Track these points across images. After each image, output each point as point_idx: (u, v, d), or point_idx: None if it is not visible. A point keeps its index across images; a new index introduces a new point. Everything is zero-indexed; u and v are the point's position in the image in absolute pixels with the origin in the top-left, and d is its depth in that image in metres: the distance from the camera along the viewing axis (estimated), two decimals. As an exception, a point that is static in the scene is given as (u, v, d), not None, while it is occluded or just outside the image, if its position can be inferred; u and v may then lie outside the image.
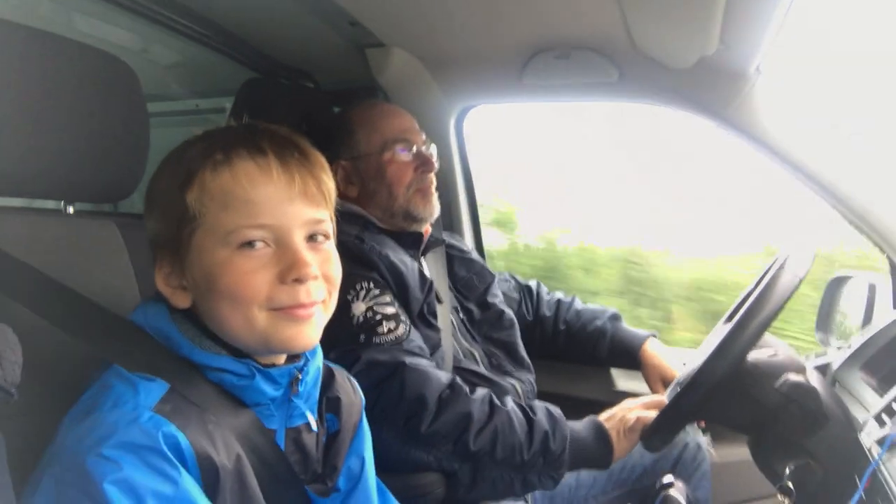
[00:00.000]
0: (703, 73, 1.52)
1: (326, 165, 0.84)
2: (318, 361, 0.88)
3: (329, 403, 0.92)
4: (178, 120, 2.15)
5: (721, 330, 1.23)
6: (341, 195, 1.44)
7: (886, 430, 0.89)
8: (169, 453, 0.67)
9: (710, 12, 1.20)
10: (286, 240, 0.77)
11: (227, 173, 0.76)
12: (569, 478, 1.48)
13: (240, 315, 0.76)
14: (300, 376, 0.82)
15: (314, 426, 0.86)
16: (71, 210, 1.08)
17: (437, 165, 1.48)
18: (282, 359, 0.84)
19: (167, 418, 0.69)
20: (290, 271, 0.76)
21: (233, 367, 0.78)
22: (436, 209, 1.48)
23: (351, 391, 0.97)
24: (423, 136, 1.49)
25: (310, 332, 0.79)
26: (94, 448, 0.65)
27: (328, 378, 0.94)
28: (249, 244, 0.76)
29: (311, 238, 0.80)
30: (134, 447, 0.66)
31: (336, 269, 0.83)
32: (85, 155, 1.00)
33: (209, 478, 0.71)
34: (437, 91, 1.84)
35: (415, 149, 1.45)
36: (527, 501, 1.42)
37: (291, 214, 0.77)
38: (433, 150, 1.50)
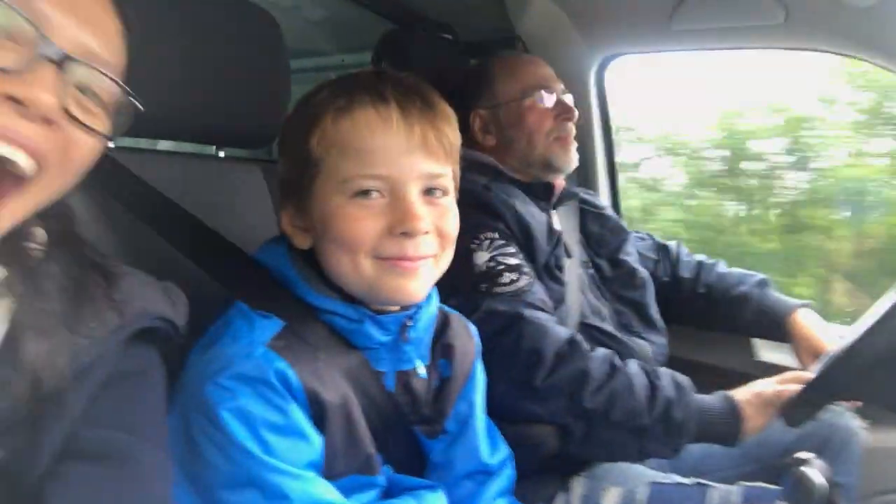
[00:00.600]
0: (888, 11, 1.33)
1: (452, 118, 0.83)
2: (432, 309, 0.89)
3: (443, 349, 0.93)
4: (325, 76, 2.24)
5: (885, 303, 1.10)
6: (478, 145, 1.47)
7: None
8: (279, 386, 0.71)
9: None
10: (400, 191, 0.77)
11: (347, 120, 0.78)
12: (696, 448, 1.42)
13: (348, 260, 0.78)
14: (410, 323, 0.84)
15: (422, 373, 0.88)
16: (221, 154, 1.17)
17: (577, 115, 1.44)
18: (395, 307, 0.84)
19: (279, 354, 0.73)
20: (400, 224, 0.76)
21: (344, 311, 0.80)
22: (574, 160, 1.44)
23: (466, 338, 0.98)
24: (562, 86, 1.46)
25: (416, 285, 0.80)
26: (213, 377, 0.71)
27: (443, 324, 0.95)
28: (364, 193, 0.77)
29: (428, 192, 0.80)
30: (248, 379, 0.71)
31: (452, 225, 0.83)
32: (233, 102, 1.08)
33: (317, 411, 0.75)
34: (578, 40, 1.77)
35: (555, 97, 1.43)
36: (648, 465, 1.37)
37: (408, 166, 0.77)
38: (569, 99, 1.46)
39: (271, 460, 0.69)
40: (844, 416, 1.37)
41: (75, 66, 0.54)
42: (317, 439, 0.74)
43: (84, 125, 0.55)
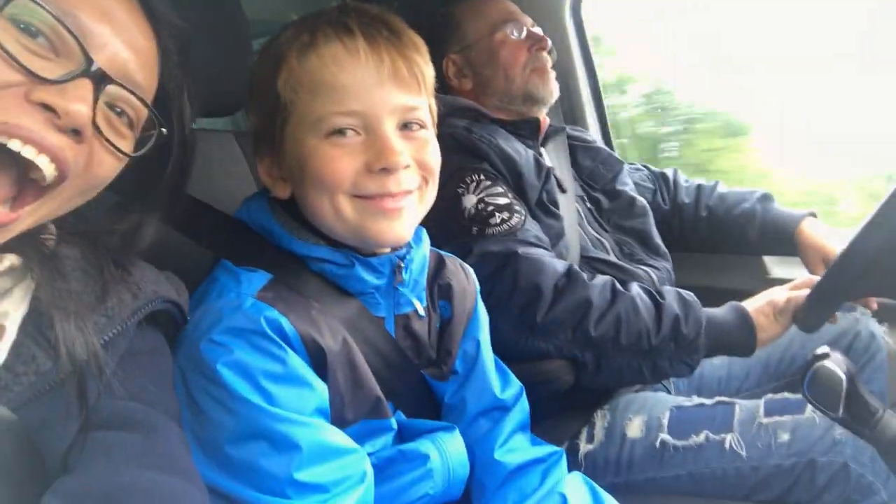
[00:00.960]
0: None
1: (423, 47, 0.80)
2: (424, 249, 0.86)
3: (441, 290, 0.91)
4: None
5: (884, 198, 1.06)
6: (454, 91, 1.43)
7: None
8: (273, 335, 0.69)
9: None
10: (375, 127, 0.74)
11: (314, 57, 0.74)
12: (718, 370, 1.40)
13: (327, 202, 0.75)
14: (402, 264, 0.81)
15: (422, 312, 0.85)
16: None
17: (550, 44, 1.41)
18: (384, 249, 0.82)
19: (269, 304, 0.71)
20: (377, 160, 0.73)
21: (331, 257, 0.78)
22: (555, 90, 1.42)
23: (464, 278, 0.95)
24: (529, 20, 1.44)
25: (400, 226, 0.77)
26: (205, 334, 0.69)
27: (438, 265, 0.92)
28: (339, 132, 0.74)
29: (405, 126, 0.77)
30: (240, 331, 0.69)
31: (433, 157, 0.79)
32: (197, 71, 1.04)
33: (317, 359, 0.72)
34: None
35: (525, 29, 1.40)
36: (668, 391, 1.35)
37: (381, 100, 0.74)
38: (539, 31, 1.43)
39: (276, 409, 0.67)
40: (864, 321, 1.34)
41: (111, 85, 0.57)
42: (320, 385, 0.72)
43: (110, 142, 0.58)
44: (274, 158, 0.79)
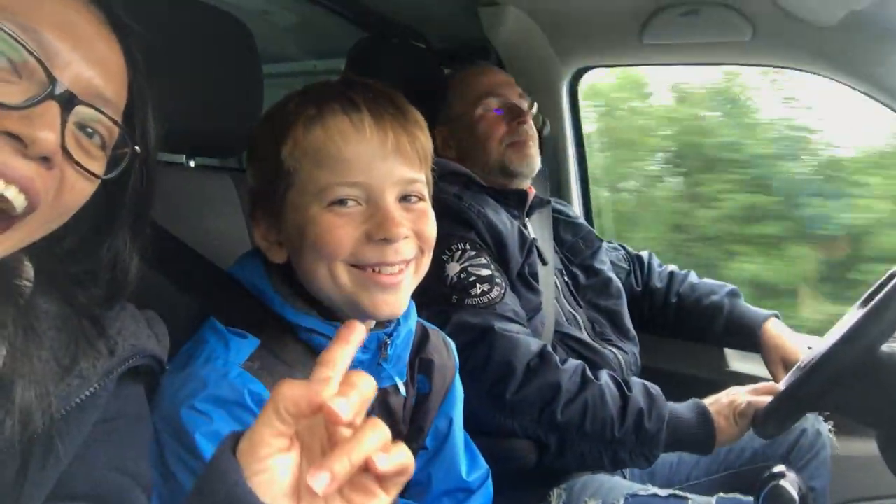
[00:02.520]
0: (851, 30, 1.36)
1: (423, 123, 0.83)
2: (411, 324, 0.88)
3: (421, 364, 0.92)
4: (298, 81, 2.22)
5: (855, 314, 1.12)
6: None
7: None
8: (255, 408, 0.69)
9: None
10: (377, 198, 0.76)
11: (319, 129, 0.76)
12: (671, 456, 1.43)
13: (325, 270, 0.76)
14: (389, 341, 0.82)
15: (402, 390, 0.86)
16: (192, 164, 1.15)
17: (543, 127, 1.49)
18: (372, 323, 0.83)
19: (254, 376, 0.71)
20: (378, 229, 0.75)
21: (322, 329, 0.78)
22: (533, 163, 1.45)
23: (445, 353, 0.97)
24: (519, 91, 1.48)
25: (396, 300, 0.78)
26: (187, 400, 0.69)
27: (422, 339, 0.94)
28: (341, 202, 0.75)
29: (405, 199, 0.79)
30: (223, 402, 0.69)
31: (430, 228, 0.81)
32: (204, 110, 1.05)
33: None
34: (550, 52, 1.78)
35: (505, 102, 1.44)
36: (624, 476, 1.37)
37: (384, 172, 0.76)
38: (531, 104, 1.48)
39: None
40: (813, 423, 1.39)
41: (80, 106, 0.53)
42: None
43: (81, 167, 0.54)
44: (272, 222, 0.80)
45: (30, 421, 0.51)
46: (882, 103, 1.44)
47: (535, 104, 1.50)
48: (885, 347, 0.98)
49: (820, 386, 0.99)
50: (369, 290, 0.76)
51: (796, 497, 0.83)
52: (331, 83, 0.83)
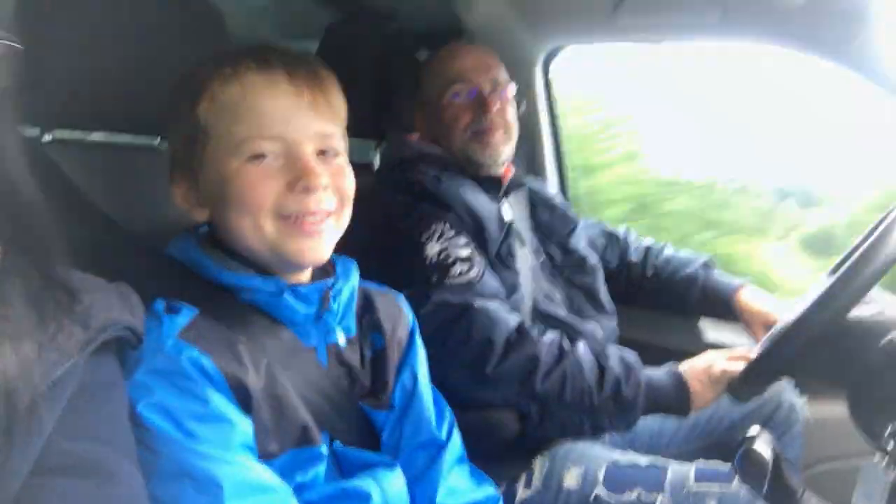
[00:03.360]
0: (818, 10, 1.38)
1: (337, 85, 0.86)
2: (353, 281, 0.89)
3: (371, 323, 0.94)
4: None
5: (825, 281, 1.15)
6: (423, 138, 1.47)
7: None
8: (195, 374, 0.70)
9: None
10: (295, 150, 0.79)
11: (236, 85, 0.78)
12: (651, 423, 1.46)
13: (249, 223, 0.78)
14: (330, 293, 0.84)
15: (342, 342, 0.87)
16: (158, 143, 1.14)
17: (518, 107, 1.46)
18: (306, 276, 0.86)
19: (191, 343, 0.72)
20: (298, 180, 0.78)
21: (261, 285, 0.80)
22: (497, 153, 1.41)
23: (394, 308, 0.98)
24: (492, 76, 1.43)
25: (319, 244, 0.81)
26: (126, 377, 0.68)
27: (368, 298, 0.95)
28: (260, 155, 0.78)
29: (322, 153, 0.82)
30: (161, 372, 0.69)
31: (348, 183, 0.84)
32: None
33: (241, 396, 0.73)
34: (523, 31, 1.78)
35: (472, 89, 1.41)
36: (605, 443, 1.40)
37: (301, 126, 0.79)
38: (511, 88, 1.46)
39: (199, 447, 0.68)
40: (787, 392, 1.44)
41: None
42: (244, 422, 0.73)
43: None
44: (191, 183, 0.83)
45: (12, 396, 0.51)
46: (854, 73, 1.46)
47: (514, 86, 1.48)
48: (853, 313, 1.01)
49: (791, 351, 1.02)
50: (293, 237, 0.79)
51: (769, 459, 0.86)
52: (245, 46, 0.85)
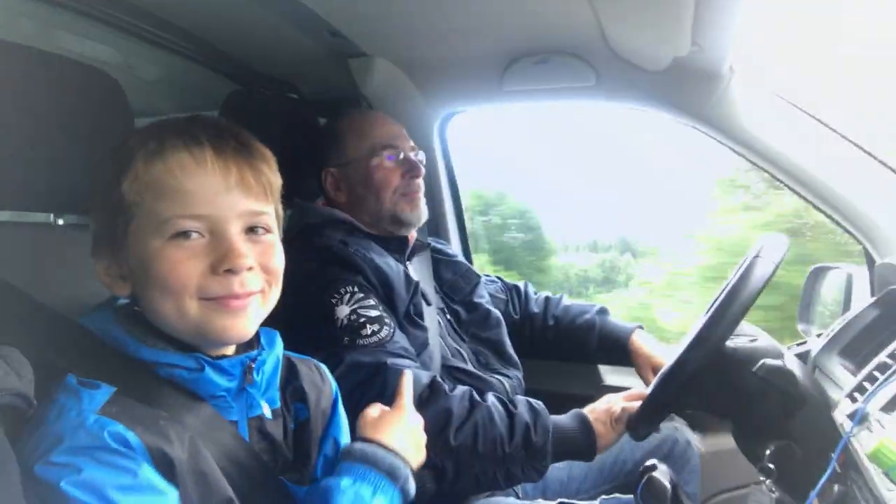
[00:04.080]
0: (678, 73, 1.56)
1: (271, 159, 0.85)
2: (278, 351, 0.89)
3: (294, 392, 0.93)
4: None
5: (702, 320, 1.26)
6: (332, 202, 1.50)
7: (857, 406, 0.92)
8: (120, 448, 0.68)
9: (680, 13, 1.24)
10: (220, 230, 0.77)
11: (160, 163, 0.77)
12: (560, 472, 1.51)
13: (171, 304, 0.76)
14: (253, 366, 0.83)
15: (268, 415, 0.86)
16: (60, 222, 1.10)
17: (423, 171, 1.52)
18: (231, 350, 0.84)
19: (113, 419, 0.70)
20: (222, 261, 0.76)
21: (181, 362, 0.78)
22: (423, 214, 1.51)
23: (318, 379, 0.98)
24: (411, 143, 1.53)
25: (244, 323, 0.79)
26: (42, 458, 0.66)
27: (291, 368, 0.95)
28: (184, 234, 0.76)
29: (251, 231, 0.80)
30: (84, 450, 0.67)
31: (277, 261, 0.83)
32: (73, 167, 1.02)
33: (166, 471, 0.71)
34: (419, 98, 1.87)
35: (402, 155, 1.49)
36: (517, 495, 1.44)
37: (227, 205, 0.78)
38: (421, 156, 1.54)
39: None
40: (682, 430, 1.54)
41: None
42: (172, 491, 0.71)
43: None
44: (113, 258, 0.80)
45: None
46: (711, 137, 1.65)
47: (423, 154, 1.55)
48: (729, 343, 1.12)
49: (677, 389, 1.11)
50: (216, 316, 0.77)
51: (668, 485, 0.92)
52: (172, 120, 0.83)
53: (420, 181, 1.50)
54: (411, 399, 0.98)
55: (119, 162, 0.78)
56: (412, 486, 0.86)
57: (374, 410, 0.93)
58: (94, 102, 1.06)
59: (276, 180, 0.85)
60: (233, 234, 0.78)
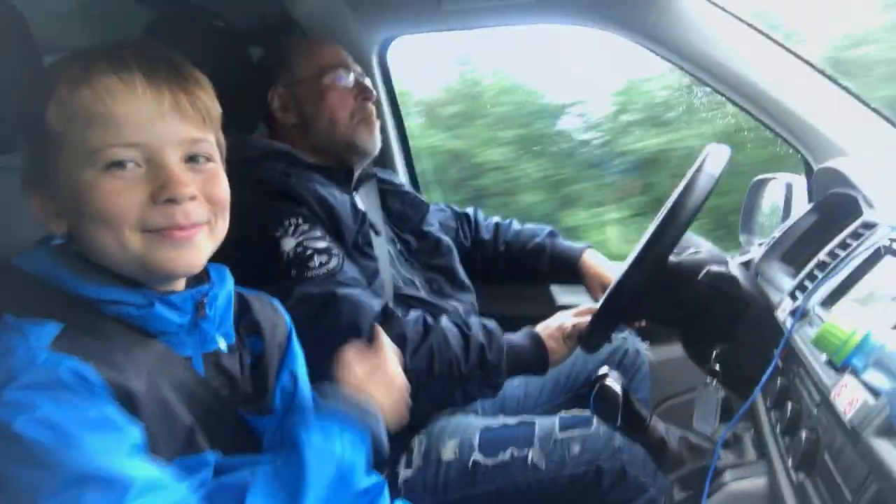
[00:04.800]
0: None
1: (207, 85, 0.80)
2: (229, 286, 0.86)
3: (249, 327, 0.91)
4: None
5: (646, 235, 1.28)
6: (278, 123, 1.44)
7: (798, 303, 0.95)
8: (77, 384, 0.65)
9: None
10: (158, 158, 0.73)
11: (86, 89, 0.72)
12: (517, 390, 1.55)
13: (111, 238, 0.72)
14: (205, 301, 0.80)
15: (223, 348, 0.84)
16: None
17: (375, 95, 1.47)
18: (181, 285, 0.81)
19: (67, 353, 0.67)
20: (162, 191, 0.72)
21: (128, 298, 0.75)
22: (378, 142, 1.46)
23: (271, 312, 0.96)
24: (360, 69, 1.48)
25: (192, 255, 0.76)
26: None
27: (244, 303, 0.92)
28: (119, 164, 0.72)
29: (191, 159, 0.77)
30: (39, 386, 0.64)
31: (222, 190, 0.79)
32: None
33: (127, 405, 0.69)
34: (355, 23, 1.79)
35: (352, 76, 1.44)
36: (477, 412, 1.47)
37: (163, 132, 0.73)
38: (368, 82, 1.48)
39: (94, 450, 0.64)
40: (630, 339, 1.58)
41: None
42: (134, 428, 0.69)
43: None
44: (45, 194, 0.75)
45: None
46: (655, 53, 1.63)
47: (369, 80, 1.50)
48: (672, 258, 1.14)
49: (625, 300, 1.13)
50: (162, 248, 0.74)
51: (619, 391, 0.95)
52: (99, 47, 0.77)
53: (372, 107, 1.45)
54: (390, 348, 0.96)
55: (40, 90, 0.73)
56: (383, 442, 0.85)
57: (357, 362, 0.89)
58: None
59: (214, 107, 0.80)
60: (171, 162, 0.73)
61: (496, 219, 1.78)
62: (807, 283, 1.03)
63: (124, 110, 0.72)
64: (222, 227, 0.81)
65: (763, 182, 1.66)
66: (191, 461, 0.76)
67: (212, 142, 0.79)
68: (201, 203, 0.76)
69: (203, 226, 0.77)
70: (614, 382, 0.96)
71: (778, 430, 0.84)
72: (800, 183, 1.57)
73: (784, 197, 1.57)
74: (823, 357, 0.76)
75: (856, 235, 1.03)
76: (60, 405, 0.64)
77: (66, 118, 0.72)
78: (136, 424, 0.69)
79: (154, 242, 0.74)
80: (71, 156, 0.72)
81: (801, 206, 1.52)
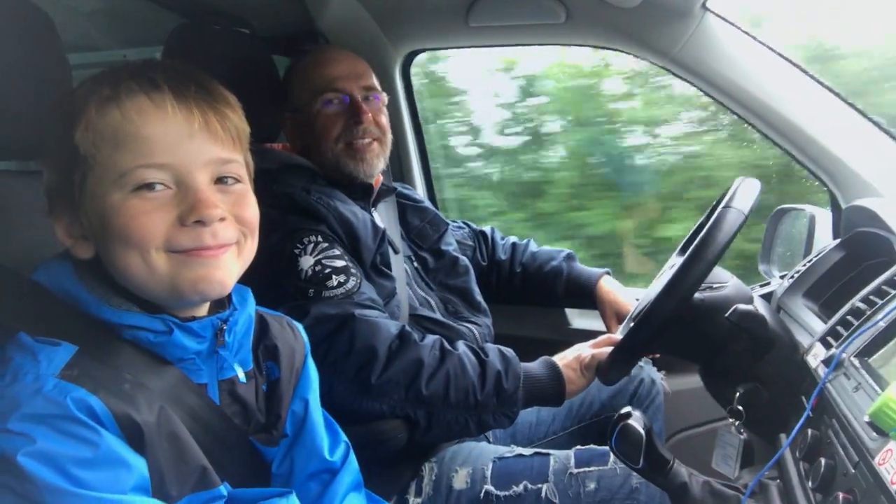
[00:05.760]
0: (650, 11, 1.51)
1: (234, 103, 0.79)
2: (250, 310, 0.84)
3: (267, 351, 0.89)
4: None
5: (672, 265, 1.25)
6: (292, 145, 1.42)
7: (832, 352, 0.92)
8: (82, 416, 0.64)
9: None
10: (187, 180, 0.72)
11: (115, 109, 0.71)
12: (529, 416, 1.52)
13: (139, 260, 0.71)
14: (225, 327, 0.78)
15: (242, 378, 0.82)
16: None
17: (382, 117, 1.42)
18: (204, 310, 0.79)
19: (75, 383, 0.65)
20: (191, 212, 0.71)
21: (147, 324, 0.73)
22: (374, 167, 1.40)
23: (291, 337, 0.94)
24: (367, 83, 1.42)
25: (221, 274, 0.74)
26: None
27: (263, 326, 0.90)
28: (147, 186, 0.71)
29: (220, 181, 0.75)
30: (42, 418, 0.63)
31: (251, 211, 0.78)
32: (2, 110, 0.93)
33: (133, 437, 0.68)
34: (380, 36, 1.78)
35: (337, 100, 1.38)
36: (488, 440, 1.44)
37: (193, 152, 0.72)
38: (384, 96, 1.45)
39: (89, 493, 0.62)
40: (646, 369, 1.55)
41: None
42: (139, 462, 0.67)
43: None
44: (73, 216, 0.74)
45: None
46: (681, 78, 1.61)
47: (385, 95, 1.46)
48: (697, 294, 1.11)
49: (649, 335, 1.10)
50: (189, 267, 0.72)
51: (643, 432, 0.92)
52: (127, 64, 0.76)
53: (367, 127, 1.38)
54: None
55: (69, 111, 0.72)
56: None
57: None
58: (21, 36, 0.95)
59: (244, 127, 0.79)
60: (200, 184, 0.72)
61: (514, 239, 1.76)
62: (840, 329, 1.00)
63: (154, 131, 0.71)
64: (251, 247, 0.79)
65: (784, 212, 1.64)
66: (202, 497, 0.74)
67: (241, 162, 0.78)
68: (230, 223, 0.75)
69: (231, 246, 0.76)
70: (637, 423, 0.93)
71: (809, 485, 0.81)
72: (822, 216, 1.54)
73: (807, 229, 1.54)
74: (865, 417, 0.73)
75: (893, 283, 1.00)
76: (61, 438, 0.63)
77: (95, 140, 0.70)
78: (141, 458, 0.68)
79: (180, 263, 0.72)
80: (99, 178, 0.71)
81: (824, 240, 1.49)
